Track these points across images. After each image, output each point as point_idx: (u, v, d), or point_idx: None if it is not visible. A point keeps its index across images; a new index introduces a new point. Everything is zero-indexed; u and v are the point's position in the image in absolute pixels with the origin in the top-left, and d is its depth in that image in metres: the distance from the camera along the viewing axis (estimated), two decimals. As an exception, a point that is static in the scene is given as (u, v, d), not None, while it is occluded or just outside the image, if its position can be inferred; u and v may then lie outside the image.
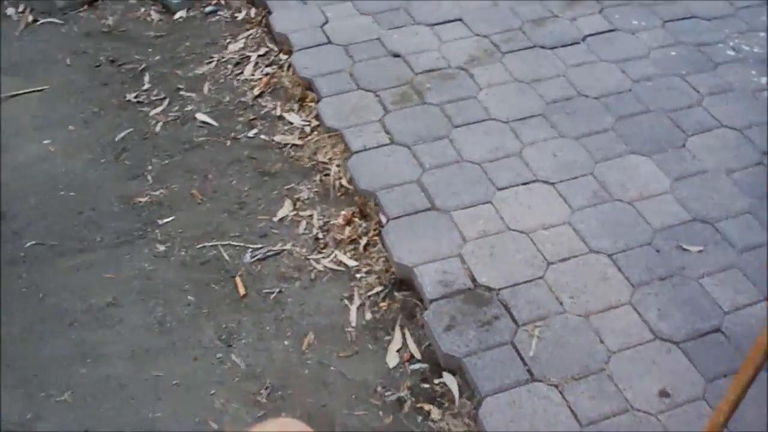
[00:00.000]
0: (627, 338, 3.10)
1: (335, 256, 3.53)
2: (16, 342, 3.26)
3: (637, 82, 4.27)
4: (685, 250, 3.42)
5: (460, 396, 3.00)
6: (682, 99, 4.18)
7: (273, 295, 3.40)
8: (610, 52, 4.48)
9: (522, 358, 3.03)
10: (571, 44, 4.54)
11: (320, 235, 3.62)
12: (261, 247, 3.58)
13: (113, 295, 3.41)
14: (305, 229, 3.65)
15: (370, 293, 3.39)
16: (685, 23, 4.72)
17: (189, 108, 4.32)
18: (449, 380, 3.07)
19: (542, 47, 4.51)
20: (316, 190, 3.82)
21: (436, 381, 3.08)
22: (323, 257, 3.53)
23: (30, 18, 4.97)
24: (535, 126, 4.01)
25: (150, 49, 4.74)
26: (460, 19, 4.72)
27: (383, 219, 3.57)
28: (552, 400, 2.90)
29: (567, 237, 3.47)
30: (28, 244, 3.63)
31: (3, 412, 3.02)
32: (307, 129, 4.12)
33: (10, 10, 5.04)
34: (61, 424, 2.99)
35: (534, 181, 3.72)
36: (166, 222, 3.71)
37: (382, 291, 3.39)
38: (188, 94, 4.41)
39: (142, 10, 5.06)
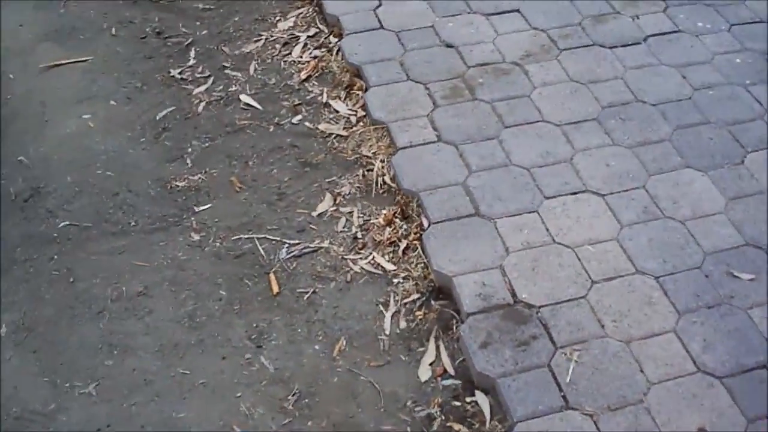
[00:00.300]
0: (668, 369, 2.98)
1: (373, 258, 3.44)
2: (45, 327, 3.22)
3: (698, 90, 4.09)
4: (735, 277, 3.28)
5: (491, 418, 2.91)
6: (744, 111, 4.00)
7: (307, 296, 3.32)
8: (671, 55, 4.30)
9: (558, 383, 2.93)
10: (632, 44, 4.37)
11: (359, 235, 3.52)
12: (298, 243, 3.49)
13: (144, 284, 3.36)
14: (344, 227, 3.56)
15: (406, 300, 3.29)
16: (753, 28, 4.51)
17: (233, 88, 4.23)
18: (481, 400, 2.97)
19: (601, 46, 4.35)
20: (358, 185, 3.72)
21: (467, 399, 2.99)
22: (360, 258, 3.44)
23: (78, -18, 4.90)
24: (588, 131, 3.86)
25: (197, 23, 4.65)
26: (517, 10, 4.56)
27: (425, 222, 3.47)
28: (585, 431, 2.81)
29: (614, 255, 3.34)
30: (62, 224, 3.58)
31: (26, 401, 2.99)
32: (353, 119, 4.02)
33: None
34: (83, 418, 2.95)
35: (583, 191, 3.58)
36: (203, 209, 3.64)
37: (418, 299, 3.29)
38: (233, 73, 4.32)
39: (192, -21, 4.97)
